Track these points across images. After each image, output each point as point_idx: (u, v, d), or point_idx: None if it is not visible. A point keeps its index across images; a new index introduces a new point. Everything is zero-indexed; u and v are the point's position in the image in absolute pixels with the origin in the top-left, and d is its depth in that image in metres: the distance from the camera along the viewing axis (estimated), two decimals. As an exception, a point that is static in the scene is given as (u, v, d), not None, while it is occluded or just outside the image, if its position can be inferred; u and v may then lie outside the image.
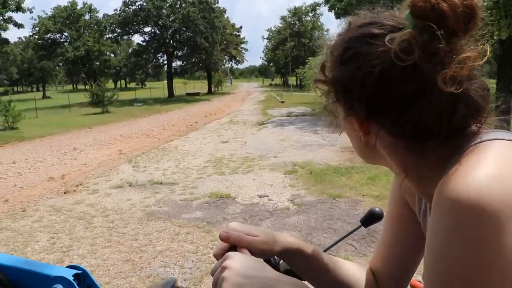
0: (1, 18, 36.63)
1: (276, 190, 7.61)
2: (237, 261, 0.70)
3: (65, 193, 8.03)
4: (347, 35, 0.75)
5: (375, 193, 7.02)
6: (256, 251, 0.80)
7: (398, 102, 0.68)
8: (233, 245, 0.80)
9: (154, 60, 62.25)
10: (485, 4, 0.66)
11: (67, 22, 64.15)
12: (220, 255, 0.78)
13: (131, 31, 57.89)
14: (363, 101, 0.71)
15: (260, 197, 7.19)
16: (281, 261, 0.87)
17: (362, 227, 1.10)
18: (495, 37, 9.54)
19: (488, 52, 0.66)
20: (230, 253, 0.73)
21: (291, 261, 0.87)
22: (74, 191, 8.16)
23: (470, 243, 0.55)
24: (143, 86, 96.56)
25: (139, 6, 55.90)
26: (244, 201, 7.03)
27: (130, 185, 8.41)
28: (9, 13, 37.50)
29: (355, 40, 0.73)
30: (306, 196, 7.16)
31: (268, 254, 0.84)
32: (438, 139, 0.68)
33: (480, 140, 0.65)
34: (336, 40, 0.78)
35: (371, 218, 1.08)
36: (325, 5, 25.09)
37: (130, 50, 74.00)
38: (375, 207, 1.09)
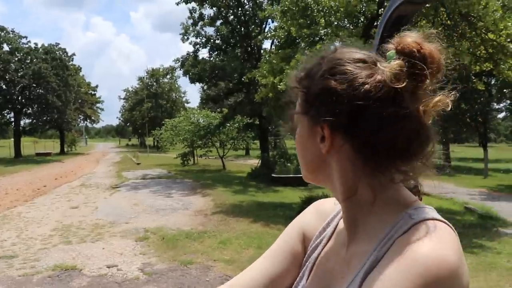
0: None
1: (126, 259, 7.42)
2: None
3: None
4: (338, 55, 0.84)
5: (226, 258, 7.24)
6: None
7: (377, 120, 0.76)
8: None
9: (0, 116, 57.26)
10: None
11: None
12: None
13: (-29, 84, 52.94)
14: (344, 115, 0.78)
15: (108, 267, 6.94)
16: None
17: None
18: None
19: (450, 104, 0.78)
20: None
21: None
22: None
23: None
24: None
25: (-18, 59, 51.74)
26: (91, 272, 6.73)
27: (-42, 261, 7.52)
28: None
29: (346, 59, 0.82)
30: (157, 263, 7.10)
31: None
32: (400, 161, 0.79)
33: (423, 218, 0.75)
34: (325, 57, 0.85)
35: None
36: (180, 69, 25.82)
37: (-32, 105, 67.23)
38: None
